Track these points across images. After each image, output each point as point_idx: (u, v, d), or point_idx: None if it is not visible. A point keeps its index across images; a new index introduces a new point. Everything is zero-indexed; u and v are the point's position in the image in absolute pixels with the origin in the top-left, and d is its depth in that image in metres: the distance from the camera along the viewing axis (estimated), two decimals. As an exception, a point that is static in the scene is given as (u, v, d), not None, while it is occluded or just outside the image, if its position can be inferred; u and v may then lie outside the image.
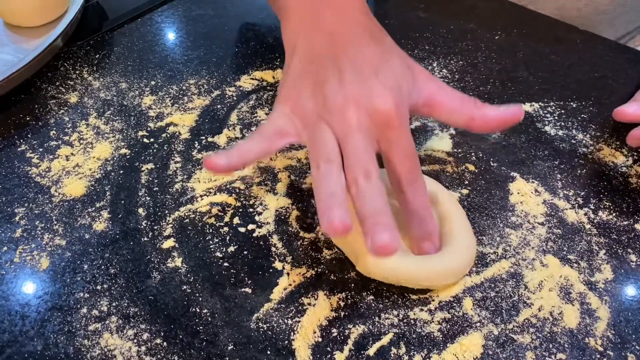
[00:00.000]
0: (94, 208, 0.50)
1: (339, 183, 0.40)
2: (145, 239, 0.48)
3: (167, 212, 0.50)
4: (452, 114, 0.45)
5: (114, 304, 0.43)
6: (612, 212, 0.50)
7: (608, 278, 0.46)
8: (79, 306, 0.43)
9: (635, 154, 0.55)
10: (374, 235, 0.38)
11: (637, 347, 0.42)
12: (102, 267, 0.46)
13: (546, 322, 0.43)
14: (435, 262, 0.44)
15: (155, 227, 0.48)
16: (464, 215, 0.48)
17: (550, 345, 0.41)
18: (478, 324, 0.43)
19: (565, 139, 0.57)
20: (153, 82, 0.62)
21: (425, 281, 0.44)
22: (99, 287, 0.44)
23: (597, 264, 0.47)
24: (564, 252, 0.47)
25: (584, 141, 0.57)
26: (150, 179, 0.52)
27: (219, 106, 0.59)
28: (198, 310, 0.43)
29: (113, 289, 0.44)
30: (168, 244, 0.47)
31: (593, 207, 0.51)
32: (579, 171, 0.54)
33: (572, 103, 0.60)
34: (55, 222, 0.48)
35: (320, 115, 0.43)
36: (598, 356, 0.41)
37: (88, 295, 0.44)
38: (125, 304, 0.43)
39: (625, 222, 0.49)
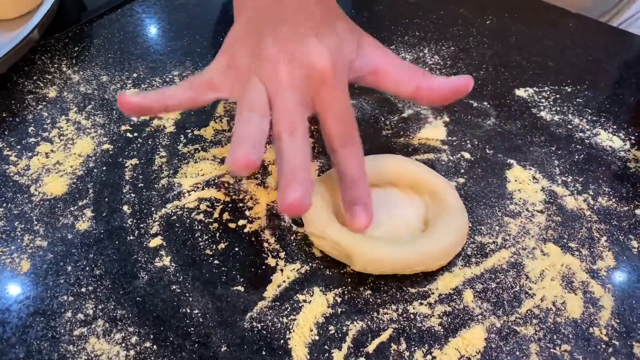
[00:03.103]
0: (76, 207, 0.47)
1: (258, 127, 0.39)
2: (131, 237, 0.45)
3: (153, 209, 0.47)
4: (398, 84, 0.44)
5: (99, 307, 0.41)
6: (611, 197, 0.49)
7: (610, 265, 0.44)
8: (62, 310, 0.41)
9: (632, 137, 0.54)
10: (285, 192, 0.36)
11: (642, 335, 0.40)
12: (87, 268, 0.43)
13: (549, 313, 0.42)
14: (427, 244, 0.42)
15: (142, 225, 0.46)
16: (456, 195, 0.46)
17: (555, 337, 0.40)
18: (480, 317, 0.41)
19: (562, 124, 0.55)
20: (135, 75, 0.59)
21: (421, 266, 0.42)
22: (83, 290, 0.42)
23: (598, 251, 0.45)
24: (565, 240, 0.46)
25: (580, 126, 0.55)
26: (135, 175, 0.50)
27: (204, 98, 0.57)
28: (189, 310, 0.41)
29: (98, 291, 0.42)
30: (155, 242, 0.45)
31: (592, 193, 0.49)
32: (576, 157, 0.52)
33: (567, 87, 0.59)
34: (35, 223, 0.46)
35: (254, 69, 0.41)
36: (603, 346, 0.40)
37: (72, 299, 0.42)
38: (112, 307, 0.41)
39: (626, 208, 0.48)
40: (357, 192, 0.42)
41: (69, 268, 0.43)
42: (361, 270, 0.42)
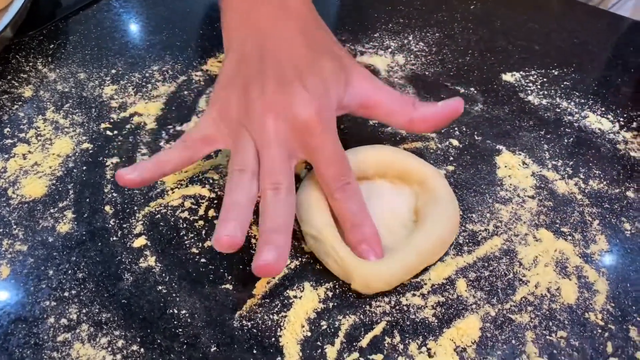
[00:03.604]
0: (56, 209, 0.46)
1: (246, 193, 0.40)
2: (115, 238, 0.44)
3: (136, 208, 0.46)
4: (390, 116, 0.45)
5: (84, 311, 0.40)
6: (602, 180, 0.48)
7: (603, 249, 0.44)
8: (45, 316, 0.40)
9: (621, 119, 0.54)
10: (260, 254, 0.37)
11: (638, 318, 0.40)
12: (69, 271, 0.42)
13: (544, 299, 0.41)
14: (422, 243, 0.41)
15: (125, 225, 0.45)
16: (445, 183, 0.45)
17: (550, 323, 0.40)
18: (474, 306, 0.40)
19: (550, 108, 0.55)
20: (114, 71, 0.58)
21: (423, 266, 0.42)
22: (66, 294, 0.41)
23: (591, 235, 0.45)
24: (557, 225, 0.45)
25: (568, 109, 0.55)
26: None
27: (185, 92, 0.56)
28: (176, 311, 0.40)
29: (82, 294, 0.41)
30: (139, 242, 0.44)
31: (583, 177, 0.49)
32: (565, 140, 0.52)
33: (553, 71, 0.58)
34: (14, 227, 0.45)
35: (243, 123, 0.42)
36: (599, 331, 0.39)
37: (55, 304, 0.40)
38: (97, 310, 0.40)
39: (617, 190, 0.48)
40: (362, 234, 0.41)
41: (51, 272, 0.42)
42: (362, 290, 0.41)
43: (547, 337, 0.39)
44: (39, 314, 0.40)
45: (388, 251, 0.42)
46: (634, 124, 0.53)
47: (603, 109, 0.54)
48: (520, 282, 0.42)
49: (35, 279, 0.42)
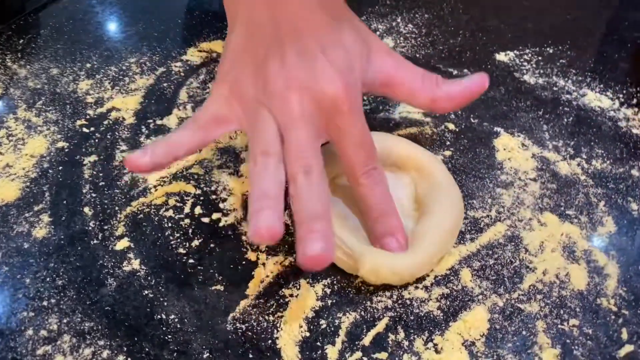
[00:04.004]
0: (31, 212, 0.43)
1: (275, 180, 0.36)
2: (95, 241, 0.41)
3: (117, 208, 0.43)
4: (413, 95, 0.41)
5: (64, 321, 0.37)
6: (605, 159, 0.47)
7: (611, 231, 0.42)
8: (23, 328, 0.37)
9: (620, 96, 0.52)
10: (306, 245, 0.33)
11: (652, 302, 0.38)
12: (47, 279, 0.39)
13: (553, 287, 0.39)
14: (435, 235, 0.39)
15: (106, 227, 0.42)
16: (444, 168, 0.43)
17: (561, 312, 0.38)
18: (480, 297, 0.38)
19: (547, 87, 0.53)
20: (88, 65, 0.55)
21: (437, 259, 0.40)
22: (45, 303, 0.38)
23: (597, 217, 0.43)
24: (562, 208, 0.43)
25: (566, 87, 0.53)
26: (95, 173, 0.46)
27: (165, 84, 0.53)
28: (164, 316, 0.37)
29: (62, 303, 0.38)
30: (122, 244, 0.41)
31: (585, 157, 0.47)
32: (565, 120, 0.50)
33: (548, 49, 0.56)
34: (-14, 233, 0.42)
35: (261, 100, 0.38)
36: (613, 317, 0.37)
37: (33, 314, 0.37)
38: (79, 319, 0.37)
39: (621, 169, 0.46)
40: (388, 226, 0.39)
41: (28, 280, 0.39)
42: (371, 279, 0.38)
43: (559, 326, 0.37)
44: (16, 326, 0.37)
45: None
46: (634, 100, 0.51)
47: (601, 86, 0.53)
48: (527, 269, 0.40)
49: (11, 289, 0.39)
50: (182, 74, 0.54)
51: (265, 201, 0.35)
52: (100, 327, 0.37)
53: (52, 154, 0.47)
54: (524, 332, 0.37)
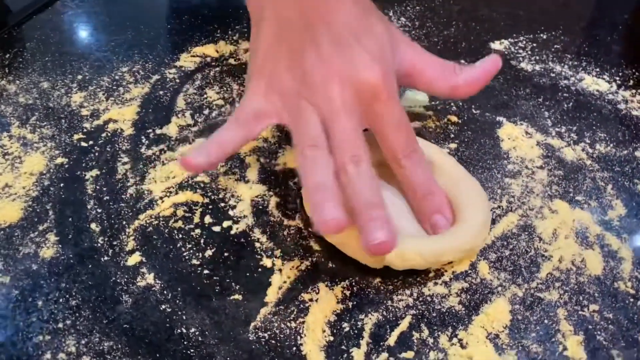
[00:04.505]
0: (36, 232, 0.42)
1: (328, 171, 0.36)
2: (106, 258, 0.40)
3: (125, 222, 0.42)
4: (432, 83, 0.42)
5: (82, 342, 0.36)
6: (609, 143, 0.47)
7: (622, 214, 0.42)
8: (40, 352, 0.36)
9: (617, 78, 0.52)
10: (370, 233, 0.34)
11: (669, 282, 0.39)
12: (61, 300, 0.38)
13: (570, 273, 0.39)
14: (471, 225, 0.39)
15: (115, 243, 0.41)
16: (455, 162, 0.43)
17: (581, 298, 0.38)
18: (500, 289, 0.38)
19: (544, 74, 0.53)
20: (80, 77, 0.53)
21: (468, 249, 0.39)
22: (60, 325, 0.37)
23: (607, 200, 0.43)
24: (571, 194, 0.44)
25: (563, 73, 0.53)
26: (98, 187, 0.45)
27: (161, 92, 0.52)
28: (184, 330, 0.37)
29: (78, 324, 0.37)
30: (134, 259, 0.40)
31: (589, 141, 0.47)
32: (565, 105, 0.50)
33: (542, 35, 0.57)
34: (-8, 257, 0.40)
35: (300, 92, 0.38)
36: (632, 300, 0.38)
37: (49, 337, 0.36)
38: (97, 340, 0.36)
39: (625, 152, 0.46)
40: (434, 202, 0.39)
41: (40, 303, 0.38)
42: (388, 263, 0.38)
43: (580, 312, 0.37)
44: (32, 351, 0.36)
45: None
46: (631, 82, 0.52)
47: (598, 69, 0.53)
48: (543, 257, 0.40)
49: (23, 313, 0.38)
50: (177, 80, 0.53)
51: (325, 193, 0.35)
52: (120, 346, 0.36)
53: (51, 170, 0.46)
54: (546, 321, 0.37)
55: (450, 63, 0.42)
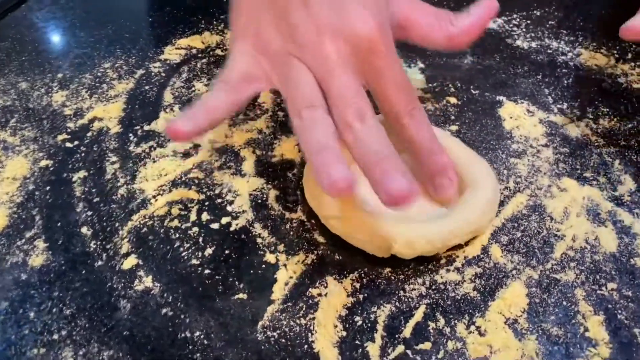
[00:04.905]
0: (24, 240, 0.39)
1: (329, 131, 0.34)
2: (100, 263, 0.38)
3: (117, 224, 0.40)
4: (429, 35, 0.39)
5: (80, 353, 0.34)
6: (612, 117, 0.46)
7: (632, 188, 0.41)
8: (35, 366, 0.34)
9: (614, 52, 0.51)
10: (388, 185, 0.31)
11: (686, 256, 0.37)
12: (54, 310, 0.36)
13: (585, 252, 0.38)
14: (473, 205, 0.38)
15: (109, 246, 0.39)
16: (459, 142, 0.42)
17: (598, 277, 0.37)
18: (514, 272, 0.37)
19: (541, 51, 0.52)
20: (60, 75, 0.51)
21: (475, 229, 0.38)
22: (55, 337, 0.35)
23: (615, 176, 0.42)
24: (579, 171, 0.42)
25: (560, 49, 0.52)
26: (87, 189, 0.42)
27: (146, 87, 0.50)
28: (189, 334, 0.35)
29: (75, 334, 0.35)
30: (129, 262, 0.38)
31: (592, 117, 0.46)
32: (565, 81, 0.49)
33: (535, 12, 0.55)
34: (-23, 268, 0.38)
35: (290, 51, 0.35)
36: (650, 276, 0.37)
37: (45, 350, 0.34)
38: (96, 349, 0.34)
39: (630, 125, 0.45)
40: (439, 162, 0.37)
41: (32, 314, 0.36)
42: (400, 254, 0.37)
43: (598, 291, 0.36)
44: (27, 365, 0.34)
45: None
46: (629, 55, 0.51)
47: (594, 44, 0.52)
48: (556, 237, 0.39)
49: (14, 325, 0.35)
50: (163, 74, 0.51)
51: (328, 153, 0.32)
52: (120, 355, 0.34)
53: (36, 174, 0.43)
54: (564, 303, 0.35)
55: (446, 12, 0.39)
